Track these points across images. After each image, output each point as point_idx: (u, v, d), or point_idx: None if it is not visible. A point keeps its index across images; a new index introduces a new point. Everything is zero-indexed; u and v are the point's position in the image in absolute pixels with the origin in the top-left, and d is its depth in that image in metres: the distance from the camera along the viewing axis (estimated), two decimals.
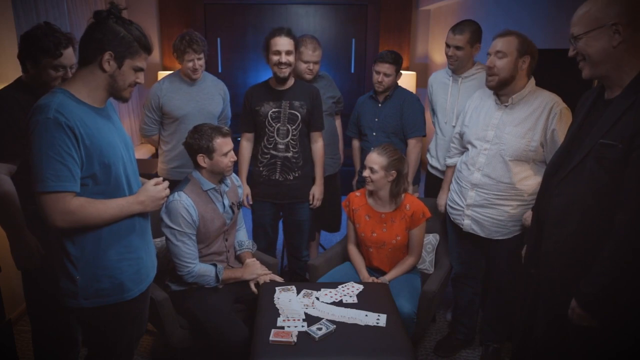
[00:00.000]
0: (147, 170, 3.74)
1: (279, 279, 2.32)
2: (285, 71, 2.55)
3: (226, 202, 2.28)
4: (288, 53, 2.52)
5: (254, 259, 2.39)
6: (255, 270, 2.30)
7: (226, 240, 2.34)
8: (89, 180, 1.47)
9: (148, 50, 1.53)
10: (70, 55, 1.91)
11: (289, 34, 2.53)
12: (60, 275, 1.53)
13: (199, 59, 2.74)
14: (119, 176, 1.54)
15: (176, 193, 2.13)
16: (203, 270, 2.18)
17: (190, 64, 2.74)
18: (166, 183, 1.66)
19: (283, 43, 2.51)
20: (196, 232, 2.17)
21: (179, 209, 2.09)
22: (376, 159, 2.36)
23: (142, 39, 1.50)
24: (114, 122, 1.60)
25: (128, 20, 1.50)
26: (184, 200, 2.11)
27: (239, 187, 2.45)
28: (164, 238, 2.24)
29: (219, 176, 2.24)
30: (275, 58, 2.54)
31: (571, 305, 1.48)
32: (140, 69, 1.53)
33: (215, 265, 2.23)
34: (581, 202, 1.47)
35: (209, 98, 2.87)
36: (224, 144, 2.16)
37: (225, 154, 2.17)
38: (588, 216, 1.46)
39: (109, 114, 1.58)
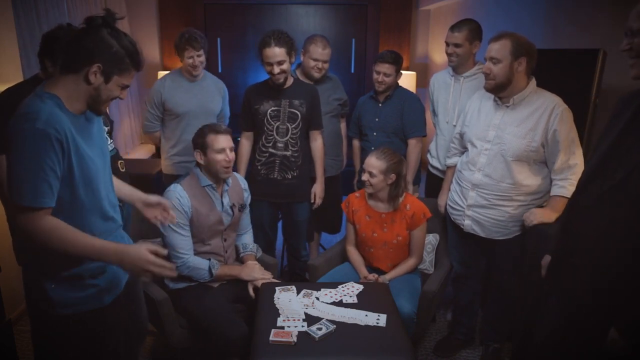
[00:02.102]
0: (146, 170, 3.74)
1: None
2: (280, 78, 2.56)
3: (225, 202, 2.28)
4: (280, 63, 2.51)
5: (256, 262, 2.39)
6: (253, 273, 2.29)
7: (224, 240, 2.33)
8: (67, 192, 1.40)
9: (139, 67, 1.44)
10: None
11: (279, 42, 2.48)
12: (36, 284, 1.48)
13: (199, 55, 2.80)
14: (96, 188, 1.47)
15: (173, 184, 2.20)
16: (197, 262, 2.20)
17: (190, 61, 2.79)
18: (160, 262, 1.43)
19: (274, 54, 2.49)
20: (189, 224, 2.18)
21: (171, 198, 2.13)
22: (375, 163, 2.36)
23: (134, 55, 1.41)
24: (93, 128, 1.52)
25: (122, 32, 1.41)
26: (177, 190, 2.16)
27: (244, 190, 2.44)
28: (160, 239, 2.24)
29: (215, 177, 2.24)
30: (268, 68, 2.55)
31: (611, 334, 1.39)
32: (126, 87, 1.46)
33: (209, 259, 2.24)
34: (626, 223, 1.36)
35: (210, 96, 2.93)
36: (216, 140, 2.16)
37: (219, 151, 2.17)
38: (634, 238, 1.35)
39: (89, 120, 1.50)
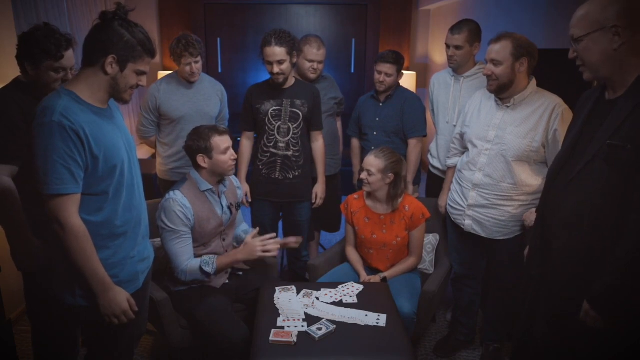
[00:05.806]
0: (147, 170, 3.74)
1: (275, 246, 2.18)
2: (279, 78, 2.56)
3: (224, 203, 2.28)
4: (280, 62, 2.51)
5: (251, 238, 2.21)
6: (255, 250, 2.13)
7: (223, 240, 2.33)
8: (96, 186, 1.48)
9: (151, 54, 1.53)
10: (70, 57, 1.91)
11: (280, 42, 2.48)
12: (59, 275, 1.54)
13: (196, 62, 2.73)
14: (122, 178, 1.54)
15: (172, 192, 2.13)
16: (193, 265, 2.13)
17: (187, 68, 2.72)
18: (130, 315, 1.58)
19: (274, 53, 2.49)
20: (191, 231, 2.16)
21: (173, 207, 2.09)
22: (373, 161, 2.36)
23: (146, 43, 1.50)
24: (117, 122, 1.60)
25: (133, 23, 1.50)
26: (179, 198, 2.10)
27: (238, 188, 2.44)
28: (159, 240, 2.23)
29: (219, 177, 2.23)
30: (268, 67, 2.55)
31: (584, 307, 1.46)
32: (143, 73, 1.53)
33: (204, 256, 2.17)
34: (591, 204, 1.45)
35: (206, 99, 2.87)
36: (221, 141, 2.15)
37: (224, 152, 2.15)
38: (599, 218, 1.44)
39: (113, 114, 1.59)
